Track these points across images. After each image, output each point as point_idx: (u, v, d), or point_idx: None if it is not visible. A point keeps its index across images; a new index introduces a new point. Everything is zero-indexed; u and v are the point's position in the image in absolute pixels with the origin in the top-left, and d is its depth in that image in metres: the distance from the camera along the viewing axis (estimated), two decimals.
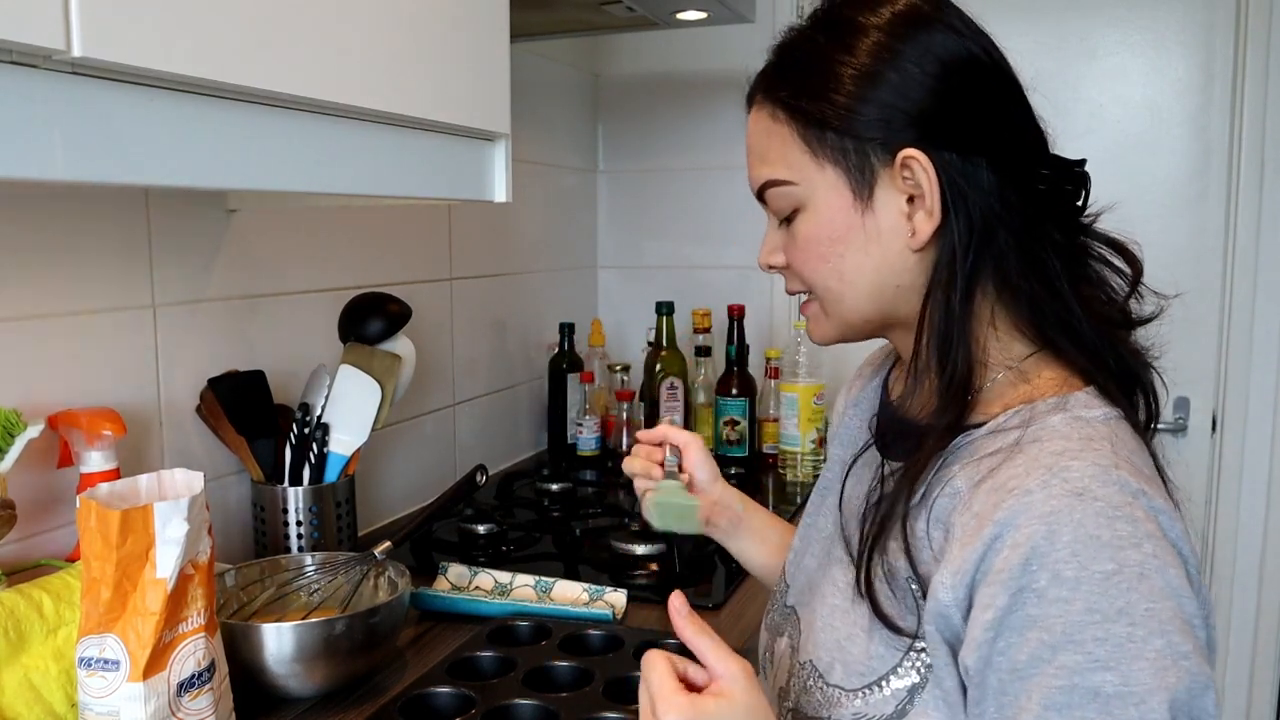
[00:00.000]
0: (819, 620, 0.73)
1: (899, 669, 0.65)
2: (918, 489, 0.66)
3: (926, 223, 0.67)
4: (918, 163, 0.66)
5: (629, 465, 0.98)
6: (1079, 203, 0.71)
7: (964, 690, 0.62)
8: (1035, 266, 0.68)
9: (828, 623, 0.72)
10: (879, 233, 0.69)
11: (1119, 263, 0.72)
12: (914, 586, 0.65)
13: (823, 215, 0.70)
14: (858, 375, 0.92)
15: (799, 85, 0.69)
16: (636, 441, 1.00)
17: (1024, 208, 0.68)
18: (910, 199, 0.68)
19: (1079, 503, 0.57)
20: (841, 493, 0.79)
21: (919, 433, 0.69)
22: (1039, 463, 0.60)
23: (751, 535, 1.00)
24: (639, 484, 0.98)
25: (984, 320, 0.69)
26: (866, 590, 0.67)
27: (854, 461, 0.80)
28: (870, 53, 0.67)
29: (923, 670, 0.64)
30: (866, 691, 0.66)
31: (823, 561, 0.78)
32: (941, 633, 0.62)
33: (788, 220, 0.73)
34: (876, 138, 0.67)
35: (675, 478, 0.95)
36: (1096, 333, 0.68)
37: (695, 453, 0.97)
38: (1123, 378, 0.68)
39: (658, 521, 0.95)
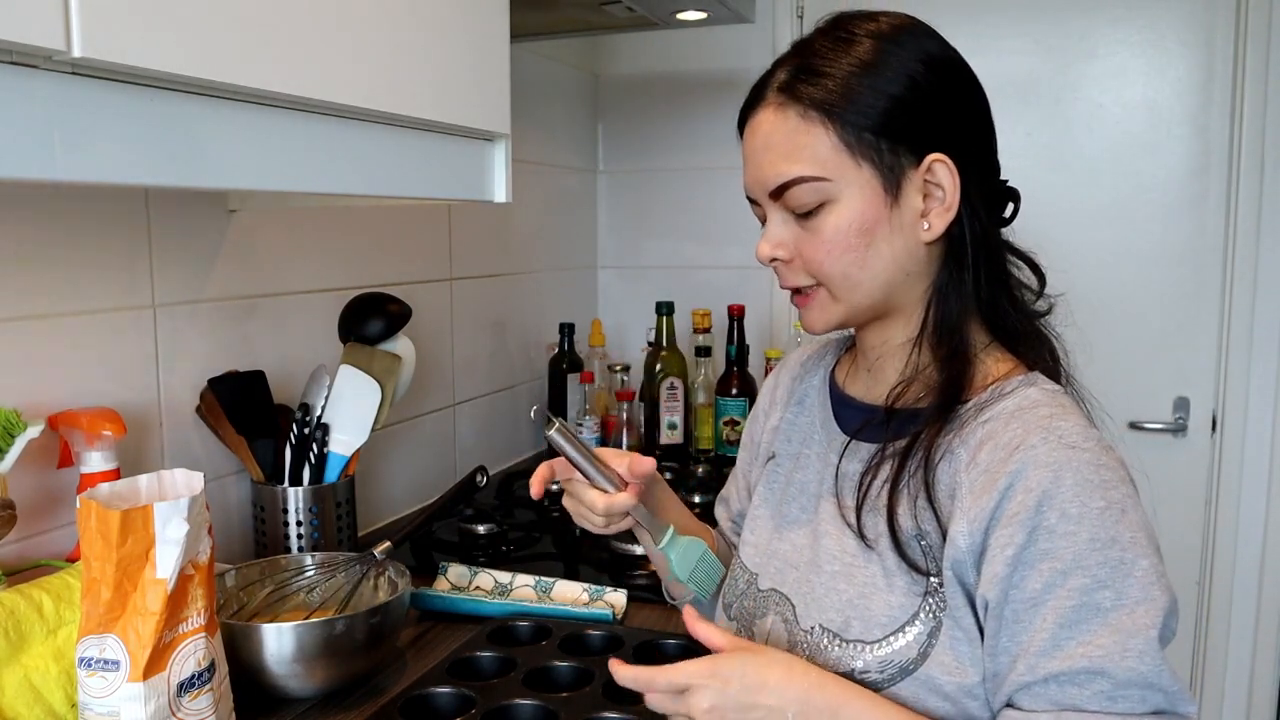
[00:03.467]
0: (819, 589, 0.80)
1: (919, 616, 0.73)
2: (934, 457, 0.75)
3: (942, 219, 0.77)
4: (945, 166, 0.76)
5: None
6: (1008, 214, 0.83)
7: (979, 628, 0.71)
8: (995, 267, 0.80)
9: (831, 588, 0.79)
10: (901, 226, 0.77)
11: (1027, 269, 0.84)
12: (922, 542, 0.74)
13: (855, 209, 0.76)
14: (786, 374, 0.99)
15: (836, 89, 0.75)
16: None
17: (989, 213, 0.80)
18: (923, 196, 0.77)
19: (1074, 453, 0.69)
20: (836, 478, 0.85)
21: (911, 413, 0.78)
22: (1035, 424, 0.72)
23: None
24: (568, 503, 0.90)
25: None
26: (895, 546, 0.75)
27: (844, 450, 0.85)
28: (900, 68, 0.75)
29: (937, 614, 0.72)
30: (890, 640, 0.73)
31: (806, 542, 0.84)
32: (959, 576, 0.72)
33: (804, 215, 0.78)
34: (907, 141, 0.75)
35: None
36: (1030, 328, 0.82)
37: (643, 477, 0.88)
38: (1051, 364, 0.82)
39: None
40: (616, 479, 0.85)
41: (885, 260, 0.77)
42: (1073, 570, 0.66)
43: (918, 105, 0.75)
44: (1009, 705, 0.69)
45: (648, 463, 0.87)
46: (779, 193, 0.78)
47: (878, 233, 0.76)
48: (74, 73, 0.62)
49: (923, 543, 0.75)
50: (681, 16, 1.72)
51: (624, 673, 0.72)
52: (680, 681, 0.71)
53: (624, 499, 0.85)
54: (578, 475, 0.86)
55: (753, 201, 0.83)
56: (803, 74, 0.77)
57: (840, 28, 0.78)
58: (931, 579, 0.73)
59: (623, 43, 2.28)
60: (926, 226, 0.77)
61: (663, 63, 2.26)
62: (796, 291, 0.82)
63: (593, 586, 1.23)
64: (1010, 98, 1.99)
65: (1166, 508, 1.98)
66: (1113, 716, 0.65)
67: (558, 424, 0.83)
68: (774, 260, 0.81)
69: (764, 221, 0.82)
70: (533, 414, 0.84)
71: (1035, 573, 0.67)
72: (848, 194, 0.76)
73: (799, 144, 0.76)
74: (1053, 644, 0.66)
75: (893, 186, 0.76)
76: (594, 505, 0.85)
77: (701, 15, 1.72)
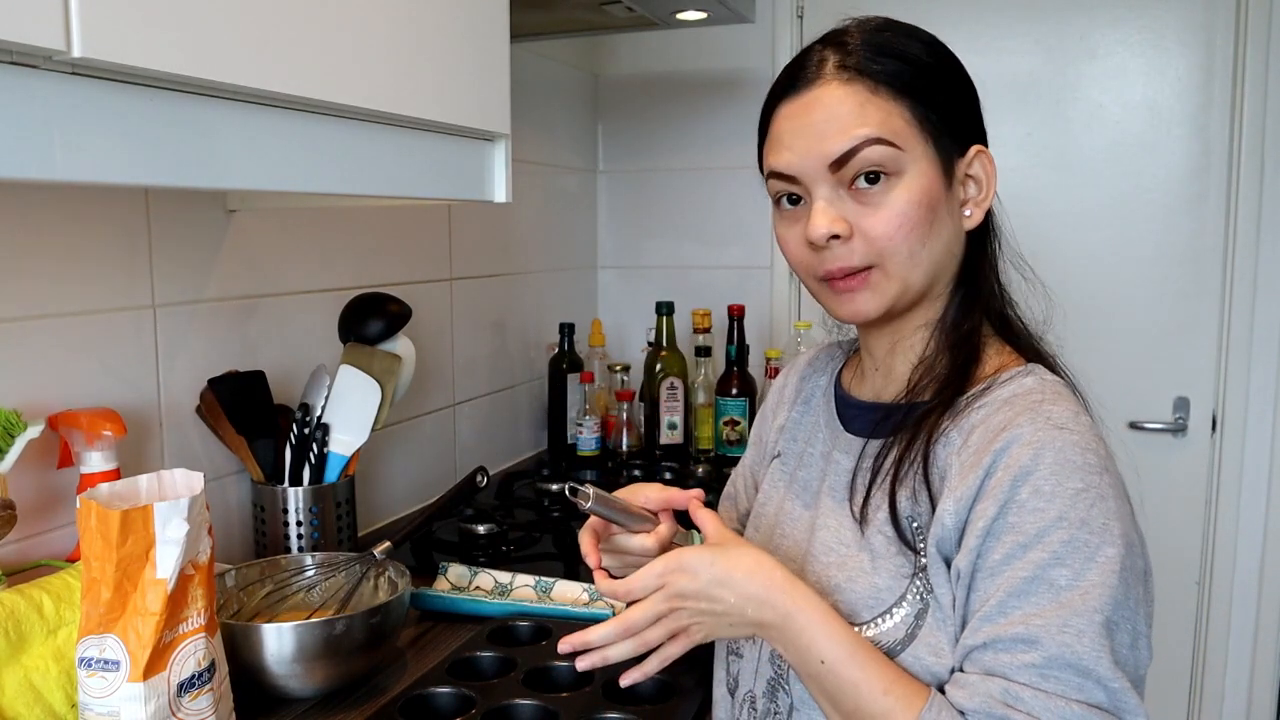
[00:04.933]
0: (810, 578, 0.81)
1: (905, 598, 0.75)
2: (932, 444, 0.77)
3: (981, 209, 0.81)
4: (986, 158, 0.81)
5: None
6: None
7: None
8: (994, 260, 0.85)
9: (822, 575, 0.81)
10: (952, 210, 0.80)
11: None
12: (914, 525, 0.76)
13: (921, 185, 0.77)
14: (795, 375, 1.01)
15: (906, 71, 0.77)
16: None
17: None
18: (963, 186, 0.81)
19: (1059, 434, 0.70)
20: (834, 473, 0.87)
21: (913, 408, 0.81)
22: (1024, 407, 0.73)
23: None
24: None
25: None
26: (894, 530, 0.77)
27: (863, 448, 0.86)
28: (947, 66, 0.80)
29: (924, 596, 0.74)
30: (878, 621, 0.75)
31: (804, 537, 0.86)
32: (943, 554, 0.73)
33: (862, 191, 0.76)
34: (953, 132, 0.79)
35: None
36: (1024, 324, 0.85)
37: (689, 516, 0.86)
38: (1051, 359, 0.84)
39: None
40: (648, 515, 0.85)
41: (943, 240, 0.79)
42: (1033, 544, 0.67)
43: (962, 100, 0.80)
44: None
45: (691, 494, 0.85)
46: (847, 157, 0.75)
47: (938, 211, 0.78)
48: (74, 73, 0.62)
49: (914, 525, 0.77)
50: (681, 16, 1.72)
51: (605, 586, 0.77)
52: (651, 583, 0.73)
53: (666, 530, 0.85)
54: (613, 528, 0.86)
55: (786, 181, 0.79)
56: (869, 51, 0.77)
57: (888, 28, 0.80)
58: (920, 558, 0.75)
59: (623, 43, 2.28)
60: (968, 214, 0.81)
61: (663, 63, 2.26)
62: (844, 276, 0.78)
63: (593, 586, 1.22)
64: (1010, 98, 1.99)
65: (1166, 508, 1.98)
66: (1041, 693, 0.64)
67: (593, 493, 0.80)
68: (833, 238, 0.77)
69: (792, 204, 0.80)
70: (566, 492, 0.83)
71: (999, 544, 0.69)
72: (915, 169, 0.77)
73: (870, 112, 0.76)
74: (998, 610, 0.67)
75: (948, 170, 0.78)
76: (648, 550, 0.83)
77: (701, 15, 1.72)
